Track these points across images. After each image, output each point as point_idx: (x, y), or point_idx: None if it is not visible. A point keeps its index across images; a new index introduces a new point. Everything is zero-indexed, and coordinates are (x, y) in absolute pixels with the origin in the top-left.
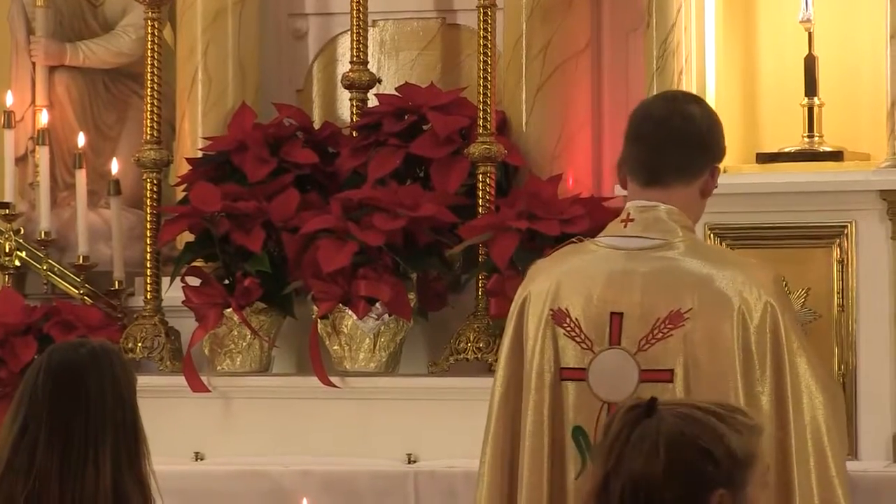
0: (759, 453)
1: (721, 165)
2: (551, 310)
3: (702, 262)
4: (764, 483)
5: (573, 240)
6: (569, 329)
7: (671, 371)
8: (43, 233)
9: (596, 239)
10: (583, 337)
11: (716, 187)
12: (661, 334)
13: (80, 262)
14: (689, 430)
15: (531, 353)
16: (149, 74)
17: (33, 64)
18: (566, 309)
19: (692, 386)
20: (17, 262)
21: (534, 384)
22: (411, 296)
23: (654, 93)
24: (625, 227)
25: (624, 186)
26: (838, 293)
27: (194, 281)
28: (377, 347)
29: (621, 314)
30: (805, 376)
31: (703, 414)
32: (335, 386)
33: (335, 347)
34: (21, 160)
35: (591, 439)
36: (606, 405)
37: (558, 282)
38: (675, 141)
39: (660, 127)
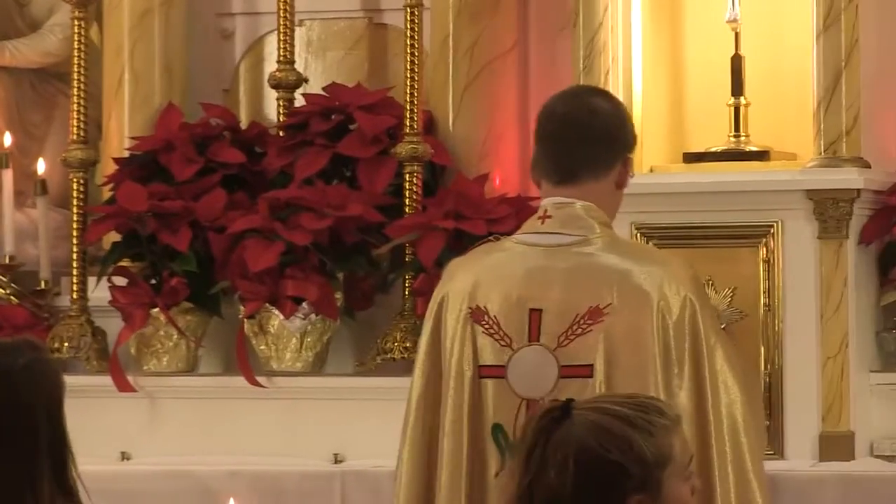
0: (673, 452)
1: (649, 165)
2: (469, 308)
3: (620, 257)
4: (687, 475)
5: (490, 238)
6: (487, 327)
7: (591, 366)
8: None
9: (513, 236)
10: (501, 334)
11: (632, 176)
12: (580, 330)
13: (7, 261)
14: (597, 441)
15: (450, 352)
16: (75, 74)
17: None
18: (484, 307)
19: (612, 381)
20: None
21: (452, 383)
22: (338, 295)
23: None
24: (542, 223)
25: (538, 186)
26: (765, 292)
27: (121, 281)
28: (304, 347)
29: (540, 311)
30: (722, 372)
31: (612, 420)
32: (262, 386)
33: (262, 347)
34: None
35: (510, 436)
36: (525, 402)
37: (476, 280)
38: (583, 136)
39: (566, 124)
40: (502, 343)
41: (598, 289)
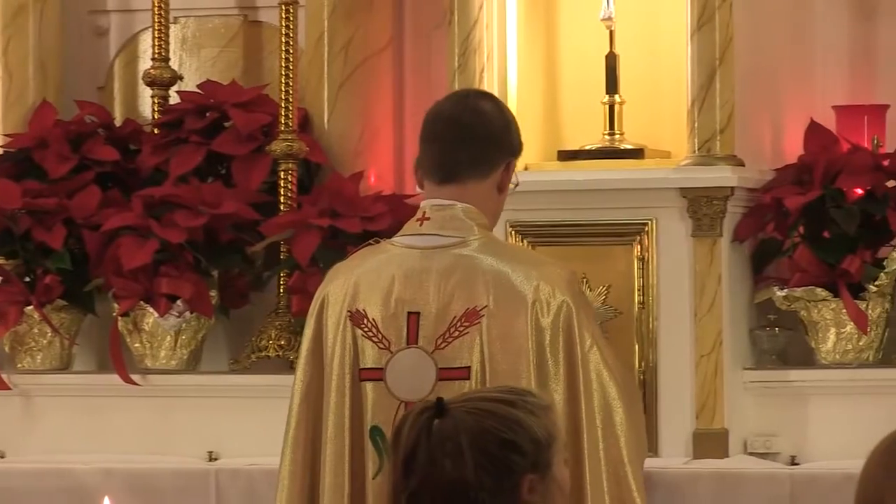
0: (556, 431)
1: (524, 163)
2: (349, 311)
3: (497, 259)
4: (566, 459)
5: (370, 241)
6: (367, 330)
7: (468, 368)
8: None
9: (392, 239)
10: (380, 337)
11: (517, 184)
12: (457, 332)
13: None
14: (487, 424)
15: (331, 356)
16: None
17: None
18: (363, 310)
19: (489, 383)
20: None
21: (334, 386)
22: (213, 293)
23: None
24: (420, 225)
25: (421, 188)
26: (639, 290)
27: None
28: (178, 345)
29: (418, 314)
30: (598, 373)
31: (495, 405)
32: (136, 384)
33: (136, 345)
34: None
35: (388, 438)
36: (404, 404)
37: (356, 283)
38: (467, 137)
39: (451, 124)
40: (381, 346)
41: (473, 290)
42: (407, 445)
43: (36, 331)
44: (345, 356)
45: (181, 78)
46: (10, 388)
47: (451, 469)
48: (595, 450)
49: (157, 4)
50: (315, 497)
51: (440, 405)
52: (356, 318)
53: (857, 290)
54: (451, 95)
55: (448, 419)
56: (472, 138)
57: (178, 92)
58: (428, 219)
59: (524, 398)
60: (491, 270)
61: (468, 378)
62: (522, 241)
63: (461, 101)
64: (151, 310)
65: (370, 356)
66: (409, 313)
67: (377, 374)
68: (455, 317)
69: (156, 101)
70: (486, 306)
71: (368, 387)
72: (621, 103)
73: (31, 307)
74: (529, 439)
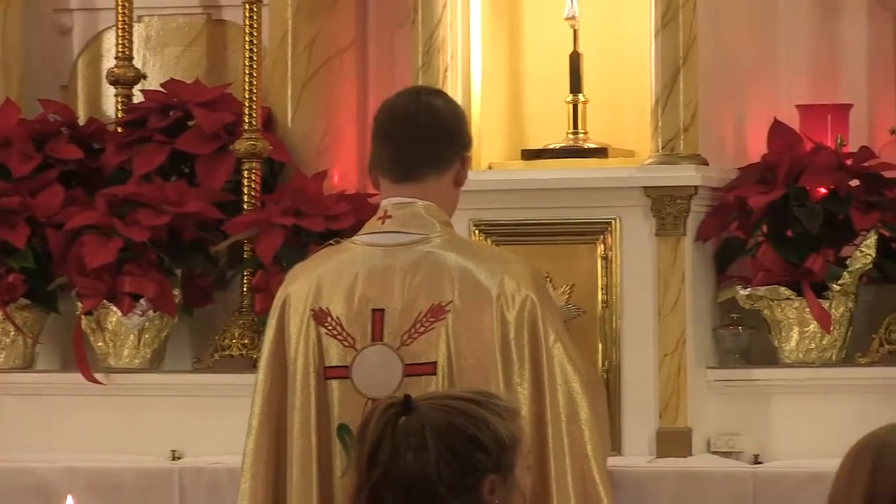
0: (521, 436)
1: (487, 162)
2: (312, 310)
3: (461, 255)
4: (528, 465)
5: (331, 242)
6: (331, 328)
7: (434, 364)
8: None
9: (354, 238)
10: (345, 335)
11: (465, 178)
12: (423, 328)
13: None
14: (454, 420)
15: (294, 355)
16: None
17: None
18: (327, 308)
19: (455, 378)
20: None
21: (299, 385)
22: (176, 292)
23: None
24: (382, 223)
25: (376, 187)
26: (602, 289)
27: None
28: (141, 344)
29: (382, 310)
30: (562, 368)
31: (463, 403)
32: (99, 382)
33: (99, 344)
34: None
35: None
36: (371, 401)
37: (318, 282)
38: (423, 134)
39: (406, 122)
40: (346, 344)
41: (438, 286)
42: (372, 439)
43: None
44: (309, 355)
45: (145, 77)
46: None
47: (413, 462)
48: (560, 444)
49: (120, 3)
50: (278, 496)
51: (407, 402)
52: (319, 316)
53: (821, 290)
54: (402, 92)
55: (415, 415)
56: (427, 136)
57: (141, 91)
58: (390, 217)
59: (492, 400)
60: (456, 266)
61: (434, 373)
62: (486, 240)
63: (414, 98)
64: (115, 308)
65: (335, 354)
66: (374, 310)
67: (343, 372)
68: (420, 313)
69: (119, 99)
70: (451, 301)
71: (334, 385)
72: (585, 102)
73: None
74: (494, 439)
